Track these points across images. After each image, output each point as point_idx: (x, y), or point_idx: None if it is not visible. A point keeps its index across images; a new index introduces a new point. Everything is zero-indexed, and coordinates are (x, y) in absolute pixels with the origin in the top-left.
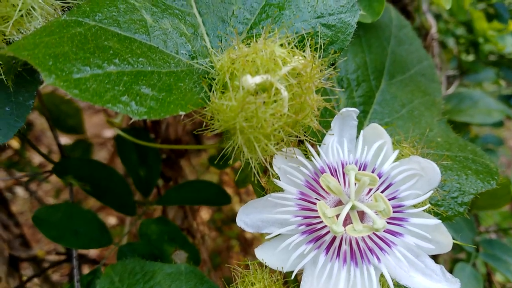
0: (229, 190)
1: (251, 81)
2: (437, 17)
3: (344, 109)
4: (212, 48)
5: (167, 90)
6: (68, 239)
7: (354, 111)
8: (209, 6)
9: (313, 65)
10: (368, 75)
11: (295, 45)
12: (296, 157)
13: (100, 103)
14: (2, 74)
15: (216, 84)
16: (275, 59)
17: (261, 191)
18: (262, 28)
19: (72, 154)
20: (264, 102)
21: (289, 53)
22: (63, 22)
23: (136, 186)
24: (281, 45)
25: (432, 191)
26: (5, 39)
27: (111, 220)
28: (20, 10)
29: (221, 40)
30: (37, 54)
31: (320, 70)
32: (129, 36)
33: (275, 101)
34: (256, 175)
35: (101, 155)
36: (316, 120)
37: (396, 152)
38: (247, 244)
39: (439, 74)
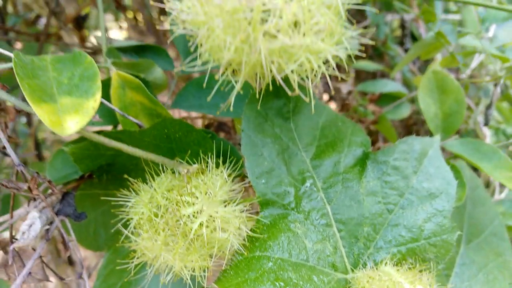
0: None
1: None
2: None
3: None
4: (347, 259)
5: None
6: None
7: None
8: (346, 224)
9: None
10: None
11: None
12: None
13: None
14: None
15: None
16: None
17: None
18: (384, 242)
19: None
20: None
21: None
22: (258, 258)
23: None
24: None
25: None
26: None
27: None
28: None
29: (354, 253)
30: None
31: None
32: (297, 262)
33: None
34: None
35: None
36: None
37: None
38: None
39: (492, 180)
